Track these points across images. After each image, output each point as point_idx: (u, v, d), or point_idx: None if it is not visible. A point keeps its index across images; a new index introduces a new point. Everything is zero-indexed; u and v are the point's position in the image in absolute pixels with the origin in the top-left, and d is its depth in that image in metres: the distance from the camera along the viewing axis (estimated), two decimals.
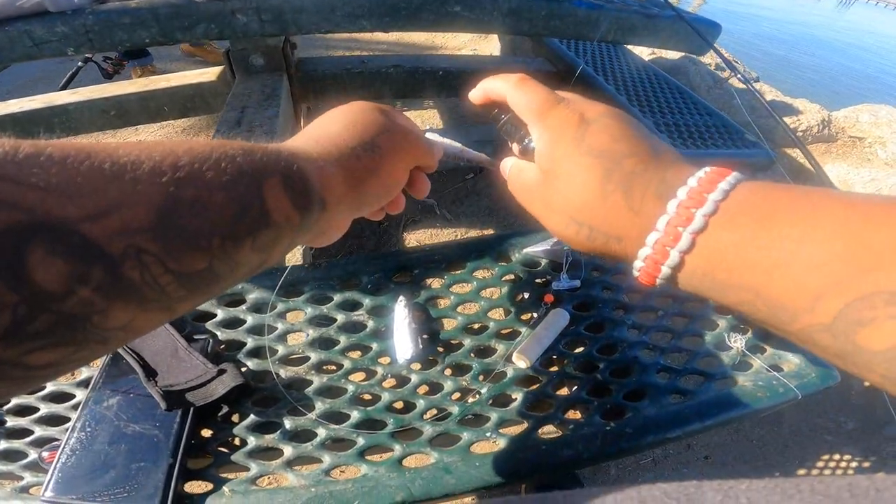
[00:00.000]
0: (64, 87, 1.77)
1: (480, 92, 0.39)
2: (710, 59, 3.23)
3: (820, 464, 1.34)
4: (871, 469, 1.33)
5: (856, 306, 0.21)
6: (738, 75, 0.83)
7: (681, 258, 0.27)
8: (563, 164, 0.31)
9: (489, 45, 3.00)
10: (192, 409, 0.53)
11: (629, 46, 2.13)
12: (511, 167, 0.37)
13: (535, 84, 0.35)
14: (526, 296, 0.70)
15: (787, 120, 2.57)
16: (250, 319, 0.64)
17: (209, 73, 1.58)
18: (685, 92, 1.68)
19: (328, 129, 0.35)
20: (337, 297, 0.68)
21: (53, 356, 0.19)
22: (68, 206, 0.18)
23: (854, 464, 1.34)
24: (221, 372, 0.54)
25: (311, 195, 0.29)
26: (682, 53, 3.03)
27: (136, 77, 2.29)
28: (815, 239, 0.23)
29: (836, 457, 1.36)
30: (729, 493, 0.19)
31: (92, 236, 0.18)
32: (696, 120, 1.50)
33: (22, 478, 0.52)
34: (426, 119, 2.40)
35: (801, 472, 1.32)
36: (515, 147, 0.38)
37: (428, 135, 0.43)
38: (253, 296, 0.67)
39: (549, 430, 0.57)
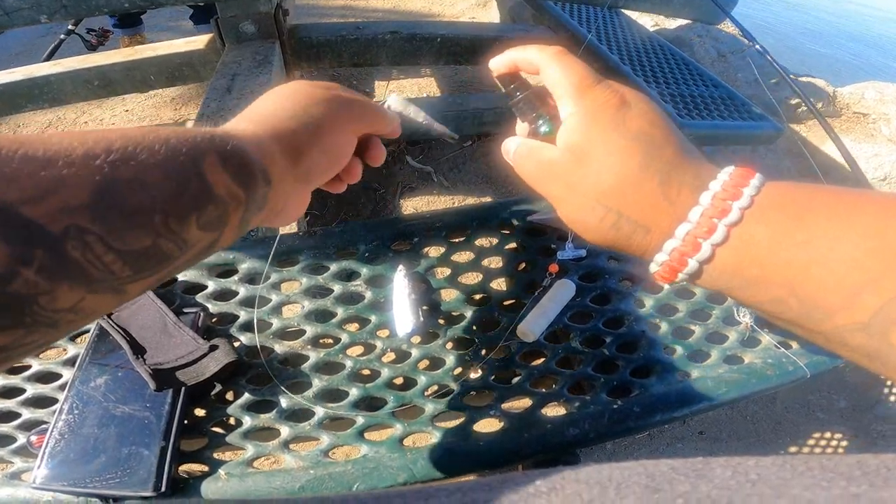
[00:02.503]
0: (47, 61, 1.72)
1: (507, 59, 0.36)
2: (713, 31, 3.16)
3: (811, 441, 1.37)
4: (862, 447, 1.34)
5: (895, 305, 0.21)
6: (757, 45, 0.79)
7: (712, 251, 0.26)
8: (599, 143, 0.29)
9: (488, 13, 2.91)
10: (183, 387, 0.51)
11: (634, 16, 2.07)
12: (519, 146, 0.35)
13: (575, 59, 0.33)
14: (530, 265, 0.68)
15: (791, 94, 2.53)
16: (243, 291, 0.62)
17: (198, 42, 1.52)
18: (690, 63, 1.63)
19: (261, 110, 0.34)
20: (333, 267, 0.65)
21: (4, 340, 0.19)
22: (7, 191, 0.18)
23: (845, 442, 1.36)
24: (213, 348, 0.52)
25: (251, 168, 0.28)
26: (686, 25, 2.96)
27: (124, 47, 2.21)
28: (852, 236, 0.23)
29: (828, 434, 1.38)
30: (738, 468, 0.19)
31: (33, 217, 0.18)
32: (701, 91, 1.47)
33: (12, 463, 0.50)
34: (423, 87, 2.34)
35: (793, 448, 1.34)
36: (525, 127, 0.36)
37: (390, 100, 0.41)
38: (245, 266, 0.64)
39: (553, 407, 0.55)
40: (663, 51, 1.71)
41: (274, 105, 0.35)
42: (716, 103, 1.41)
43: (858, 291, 0.22)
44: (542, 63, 0.33)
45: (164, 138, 0.24)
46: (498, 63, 0.36)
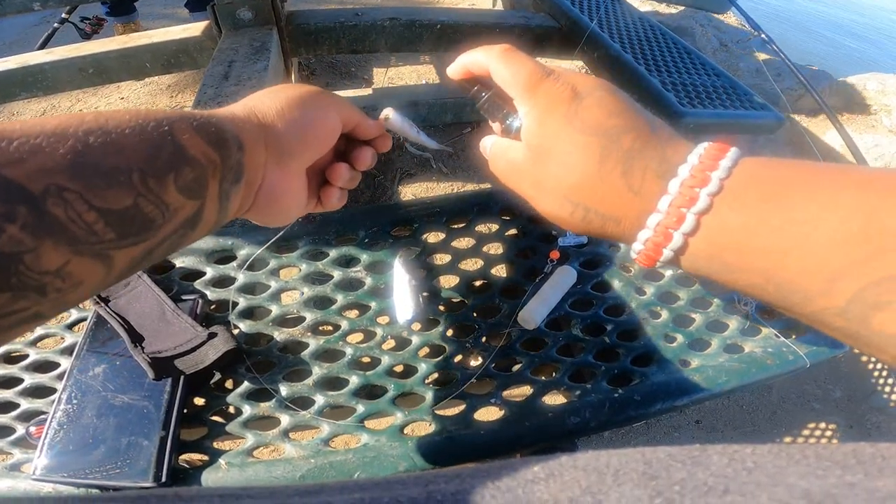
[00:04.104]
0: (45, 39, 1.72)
1: (459, 66, 0.36)
2: (714, 21, 3.14)
3: (806, 431, 1.38)
4: (857, 438, 1.36)
5: (872, 290, 0.21)
6: (763, 34, 0.78)
7: (684, 240, 0.26)
8: (556, 141, 0.29)
9: None
10: (182, 376, 0.50)
11: (635, 3, 2.05)
12: (492, 146, 0.35)
13: (521, 56, 0.32)
14: (531, 252, 0.68)
15: (792, 84, 2.53)
16: (241, 277, 0.61)
17: (194, 29, 1.51)
18: (693, 52, 1.62)
19: (246, 97, 0.36)
20: (333, 253, 0.65)
21: None
22: None
23: (840, 432, 1.37)
24: (212, 336, 0.52)
25: (224, 133, 0.29)
26: (688, 14, 2.94)
27: (119, 35, 2.18)
28: (832, 218, 0.22)
29: (823, 425, 1.39)
30: (734, 456, 0.19)
31: (13, 177, 0.20)
32: (703, 80, 1.46)
33: (11, 454, 0.50)
34: (422, 74, 2.33)
35: (788, 438, 1.35)
36: (497, 126, 0.35)
37: (386, 110, 0.41)
38: (244, 252, 0.63)
39: (554, 396, 0.55)
40: (665, 39, 1.69)
41: (258, 93, 0.36)
42: (717, 92, 1.41)
43: (837, 276, 0.22)
44: (489, 64, 0.33)
45: (134, 112, 0.26)
46: (453, 70, 0.37)
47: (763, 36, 0.81)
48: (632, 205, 0.27)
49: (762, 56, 2.78)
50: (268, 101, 0.35)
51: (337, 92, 1.87)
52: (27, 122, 0.22)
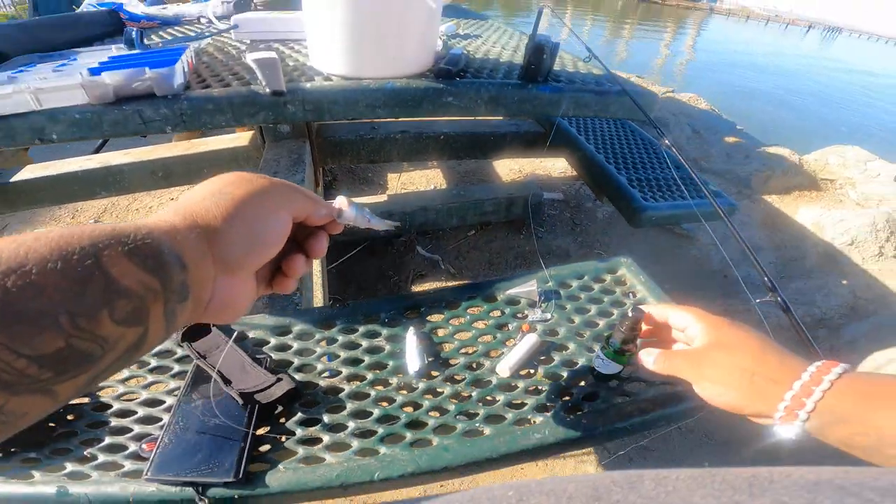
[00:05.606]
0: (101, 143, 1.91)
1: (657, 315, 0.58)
2: (686, 109, 3.46)
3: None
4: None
5: None
6: (666, 140, 1.02)
7: (814, 405, 0.40)
8: (734, 338, 0.48)
9: None
10: (256, 408, 0.71)
11: None
12: (665, 353, 0.52)
13: (689, 307, 0.55)
14: (508, 326, 0.90)
15: (760, 167, 2.74)
16: (296, 345, 0.84)
17: (242, 138, 1.77)
18: (658, 148, 1.88)
19: (186, 196, 0.34)
20: (361, 329, 0.88)
21: None
22: None
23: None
24: (279, 380, 0.73)
25: (162, 256, 0.28)
26: (661, 104, 3.29)
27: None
28: None
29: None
30: (662, 481, 0.21)
31: None
32: (665, 174, 1.69)
33: (123, 465, 0.69)
34: (430, 178, 2.61)
35: None
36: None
37: (339, 201, 0.43)
38: (297, 327, 0.87)
39: (523, 422, 0.75)
40: (634, 137, 1.95)
41: (199, 190, 0.35)
42: (677, 185, 1.63)
43: None
44: (669, 313, 0.56)
45: (56, 241, 0.24)
46: (659, 316, 0.58)
47: (666, 142, 1.03)
48: (784, 378, 0.42)
49: (732, 140, 3.04)
50: (210, 203, 0.33)
51: (354, 199, 2.05)
52: None
